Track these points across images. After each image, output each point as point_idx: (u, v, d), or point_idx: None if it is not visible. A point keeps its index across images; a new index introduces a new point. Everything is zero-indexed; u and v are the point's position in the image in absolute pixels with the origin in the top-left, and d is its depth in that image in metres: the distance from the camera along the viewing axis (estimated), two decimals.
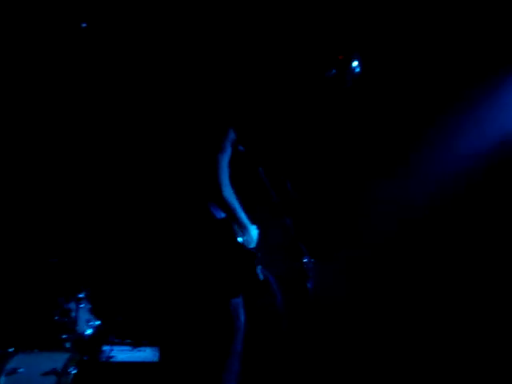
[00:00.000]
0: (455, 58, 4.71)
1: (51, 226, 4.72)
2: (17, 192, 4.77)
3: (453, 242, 4.83)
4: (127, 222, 4.79)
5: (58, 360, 3.77)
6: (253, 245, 3.60)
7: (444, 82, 4.75)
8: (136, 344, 4.65)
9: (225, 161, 3.44)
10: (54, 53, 4.70)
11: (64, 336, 4.01)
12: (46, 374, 3.69)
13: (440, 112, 4.78)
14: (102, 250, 4.70)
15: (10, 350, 3.76)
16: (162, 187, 4.25)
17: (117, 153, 4.86)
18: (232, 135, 3.51)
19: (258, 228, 3.66)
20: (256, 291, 3.55)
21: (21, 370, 3.67)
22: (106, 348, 4.48)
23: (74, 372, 3.71)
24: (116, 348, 4.66)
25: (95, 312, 4.24)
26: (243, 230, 3.52)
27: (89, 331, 4.15)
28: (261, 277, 3.52)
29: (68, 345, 4.00)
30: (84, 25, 4.50)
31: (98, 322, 4.23)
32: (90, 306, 4.23)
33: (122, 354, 4.68)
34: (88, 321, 4.16)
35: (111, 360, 4.46)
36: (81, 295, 4.11)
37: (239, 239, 3.46)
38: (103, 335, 4.35)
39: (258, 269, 3.52)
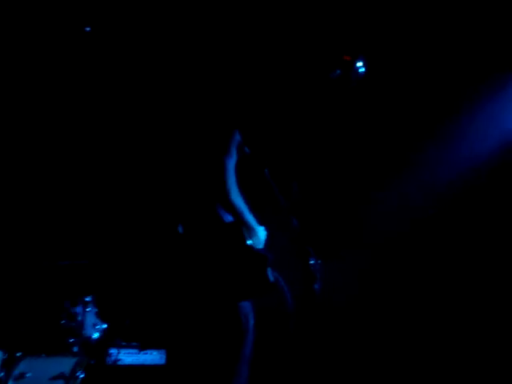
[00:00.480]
0: (458, 59, 4.70)
1: (58, 229, 4.72)
2: (22, 194, 4.77)
3: (457, 242, 4.83)
4: (135, 226, 4.78)
5: (65, 364, 3.77)
6: (261, 246, 3.60)
7: (446, 83, 4.74)
8: (143, 347, 4.65)
9: (231, 164, 3.44)
10: (54, 53, 4.70)
11: (71, 340, 4.00)
12: (54, 378, 3.70)
13: (443, 113, 4.77)
14: (108, 254, 4.70)
15: (18, 354, 3.76)
16: (169, 192, 4.24)
17: (123, 156, 4.85)
18: (238, 137, 3.50)
19: (266, 230, 3.66)
20: (266, 294, 3.53)
21: (28, 374, 3.68)
22: (113, 351, 4.48)
23: (81, 376, 3.71)
24: (123, 351, 4.67)
25: (102, 316, 4.23)
26: (251, 232, 3.51)
27: (96, 335, 4.14)
28: (271, 279, 3.51)
29: (75, 349, 3.99)
30: (88, 29, 4.50)
31: (104, 326, 4.22)
32: (96, 310, 4.23)
33: (129, 357, 4.69)
34: (95, 324, 4.15)
35: (118, 363, 4.47)
36: (87, 299, 4.09)
37: (248, 242, 3.45)
38: (110, 339, 4.34)
39: (269, 271, 3.51)
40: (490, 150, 4.79)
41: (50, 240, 4.68)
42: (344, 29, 4.62)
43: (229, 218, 3.47)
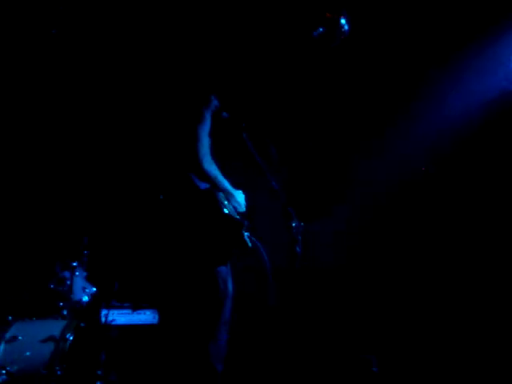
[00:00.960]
0: (446, 13, 4.56)
1: (46, 196, 4.76)
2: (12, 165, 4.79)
3: (450, 198, 4.80)
4: (122, 192, 4.81)
5: (55, 327, 3.87)
6: (241, 209, 3.62)
7: (434, 36, 4.62)
8: (135, 307, 4.76)
9: (205, 131, 3.41)
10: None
11: (61, 304, 4.08)
12: (45, 340, 3.79)
13: (431, 66, 4.67)
14: (95, 219, 4.75)
15: (9, 318, 3.86)
16: (143, 163, 4.25)
17: (99, 126, 4.83)
18: (214, 103, 3.47)
19: (247, 194, 3.67)
20: (244, 258, 3.57)
21: (20, 337, 3.78)
22: (105, 312, 4.59)
23: (71, 338, 3.81)
24: (116, 312, 4.79)
25: (91, 279, 4.31)
26: (229, 196, 3.52)
27: (85, 298, 4.23)
28: (249, 244, 3.54)
29: (65, 312, 4.08)
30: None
31: (94, 289, 4.30)
32: (85, 274, 4.30)
33: (122, 317, 4.81)
34: (84, 288, 4.23)
35: (113, 323, 4.58)
36: (74, 264, 4.16)
37: (224, 209, 3.46)
38: (100, 301, 4.44)
39: (246, 236, 3.54)
40: (481, 103, 4.70)
41: (40, 208, 4.73)
42: None
43: (204, 186, 3.47)
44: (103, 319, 4.49)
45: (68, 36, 4.49)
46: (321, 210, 4.66)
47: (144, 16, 4.44)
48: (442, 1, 4.49)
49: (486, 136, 4.66)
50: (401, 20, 4.58)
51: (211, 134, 3.46)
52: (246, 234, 3.54)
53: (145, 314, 4.82)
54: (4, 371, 3.61)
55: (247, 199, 3.67)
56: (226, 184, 3.53)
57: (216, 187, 3.48)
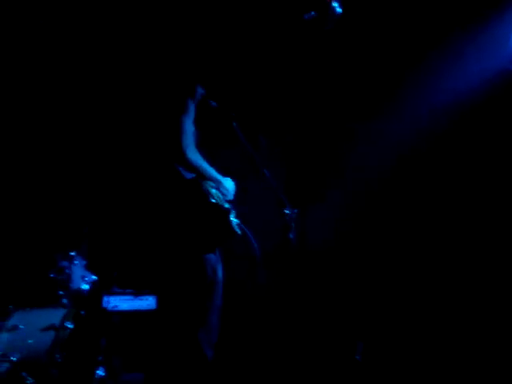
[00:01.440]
0: None
1: (47, 187, 4.82)
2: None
3: (447, 180, 4.77)
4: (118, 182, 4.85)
5: (55, 316, 3.96)
6: (230, 196, 3.63)
7: (429, 19, 4.53)
8: (137, 293, 4.83)
9: (188, 121, 3.41)
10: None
11: (60, 292, 4.16)
12: (45, 329, 3.88)
13: (426, 49, 4.59)
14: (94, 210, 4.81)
15: (10, 307, 3.95)
16: (132, 154, 4.26)
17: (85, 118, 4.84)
18: (199, 92, 3.46)
19: (236, 181, 3.68)
20: (234, 246, 3.60)
21: (21, 326, 3.87)
22: (107, 298, 4.67)
23: (70, 326, 3.90)
24: (118, 298, 4.87)
25: (91, 267, 4.38)
26: (217, 183, 3.54)
27: (85, 286, 4.29)
28: (238, 231, 3.56)
29: (64, 301, 4.15)
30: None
31: (93, 278, 4.37)
32: (84, 263, 4.37)
33: (124, 302, 4.89)
34: (83, 277, 4.30)
35: (114, 309, 4.66)
36: (72, 253, 4.22)
37: (211, 198, 3.47)
38: (100, 289, 4.51)
39: (234, 224, 3.55)
40: (481, 83, 4.62)
41: (40, 198, 4.79)
42: None
43: (190, 176, 3.48)
44: (105, 305, 4.58)
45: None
46: (314, 197, 4.65)
47: (127, 6, 4.41)
48: None
49: (486, 117, 4.60)
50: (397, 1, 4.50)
51: (200, 124, 3.46)
52: (234, 221, 3.55)
53: (147, 299, 4.90)
54: (6, 359, 3.72)
55: (239, 187, 3.68)
56: (213, 172, 3.54)
57: (202, 176, 3.48)
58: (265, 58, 4.50)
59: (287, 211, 3.57)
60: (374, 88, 4.74)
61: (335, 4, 3.99)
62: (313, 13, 3.95)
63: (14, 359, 3.70)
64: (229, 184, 3.62)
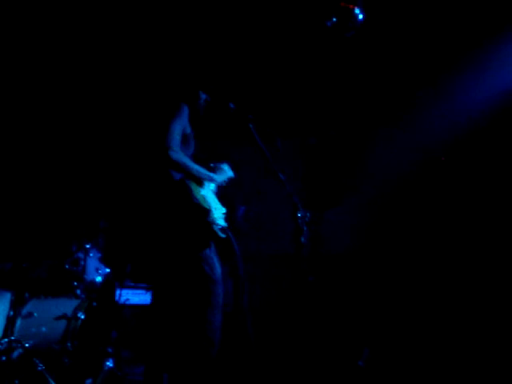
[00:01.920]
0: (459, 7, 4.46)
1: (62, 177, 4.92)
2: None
3: (458, 188, 4.75)
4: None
5: (68, 306, 4.05)
6: (219, 181, 3.66)
7: (447, 31, 4.53)
8: (149, 288, 4.90)
9: (178, 124, 3.45)
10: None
11: (74, 283, 4.25)
12: (58, 318, 3.97)
13: (443, 60, 4.59)
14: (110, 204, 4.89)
15: (26, 295, 4.04)
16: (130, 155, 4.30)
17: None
18: (203, 97, 3.53)
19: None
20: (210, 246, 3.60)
21: (35, 314, 3.97)
22: (119, 292, 4.75)
23: (82, 317, 3.98)
24: (131, 291, 4.95)
25: (105, 260, 4.46)
26: (209, 180, 3.58)
27: (98, 278, 4.38)
28: (220, 234, 3.56)
29: (78, 291, 4.24)
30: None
31: (107, 270, 4.45)
32: (99, 255, 4.45)
33: (135, 297, 4.97)
34: (97, 269, 4.39)
35: (125, 303, 4.74)
36: (88, 245, 4.31)
37: (194, 199, 3.48)
38: (113, 282, 4.59)
39: (216, 226, 3.54)
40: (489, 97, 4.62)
41: (59, 191, 4.89)
42: None
43: (178, 176, 3.52)
44: (117, 298, 4.66)
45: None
46: (332, 200, 4.66)
47: (129, 9, 4.44)
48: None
49: (501, 126, 4.58)
50: (416, 11, 4.50)
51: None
52: (220, 224, 3.57)
53: None
54: (20, 345, 3.81)
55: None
56: (201, 170, 3.57)
57: (189, 175, 3.52)
58: (288, 63, 4.53)
59: (300, 214, 3.60)
60: (394, 94, 4.75)
61: (357, 11, 4.02)
62: (335, 19, 3.99)
63: (27, 345, 3.79)
64: (222, 176, 3.66)
